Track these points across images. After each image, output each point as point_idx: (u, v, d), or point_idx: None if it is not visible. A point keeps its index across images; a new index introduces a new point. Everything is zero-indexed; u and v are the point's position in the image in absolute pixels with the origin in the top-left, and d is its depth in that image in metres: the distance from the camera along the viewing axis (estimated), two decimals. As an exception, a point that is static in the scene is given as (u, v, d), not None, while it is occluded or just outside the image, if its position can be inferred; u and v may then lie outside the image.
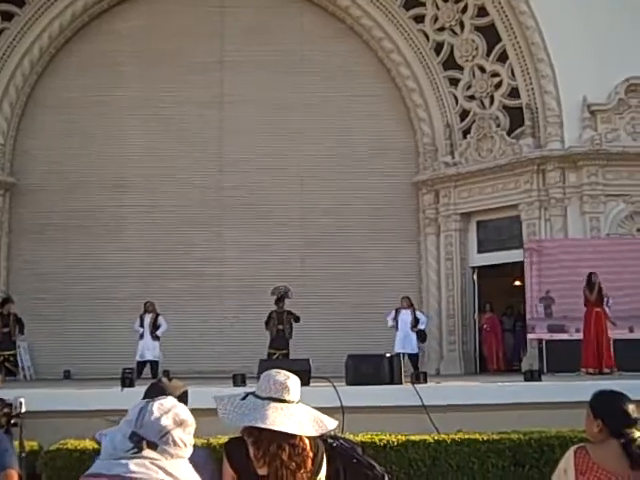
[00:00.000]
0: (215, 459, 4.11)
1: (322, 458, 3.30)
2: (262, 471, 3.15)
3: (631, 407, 4.36)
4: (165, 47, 21.57)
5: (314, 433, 3.19)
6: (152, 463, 2.10)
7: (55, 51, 21.72)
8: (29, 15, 21.02)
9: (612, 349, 15.58)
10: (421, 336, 18.81)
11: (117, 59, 21.74)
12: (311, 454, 3.19)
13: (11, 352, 17.83)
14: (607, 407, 4.39)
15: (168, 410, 2.18)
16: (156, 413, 2.17)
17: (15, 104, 21.29)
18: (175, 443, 2.16)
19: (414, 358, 18.09)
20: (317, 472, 3.26)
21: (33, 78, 21.56)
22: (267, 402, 3.16)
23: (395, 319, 18.35)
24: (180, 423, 2.18)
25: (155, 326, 18.27)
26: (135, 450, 2.12)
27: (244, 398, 3.23)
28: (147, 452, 2.12)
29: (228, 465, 3.23)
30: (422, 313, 19.17)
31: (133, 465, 2.09)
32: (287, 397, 3.19)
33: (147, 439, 2.13)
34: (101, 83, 21.51)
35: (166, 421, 2.16)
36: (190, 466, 2.26)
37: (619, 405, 4.37)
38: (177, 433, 2.16)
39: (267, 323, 17.99)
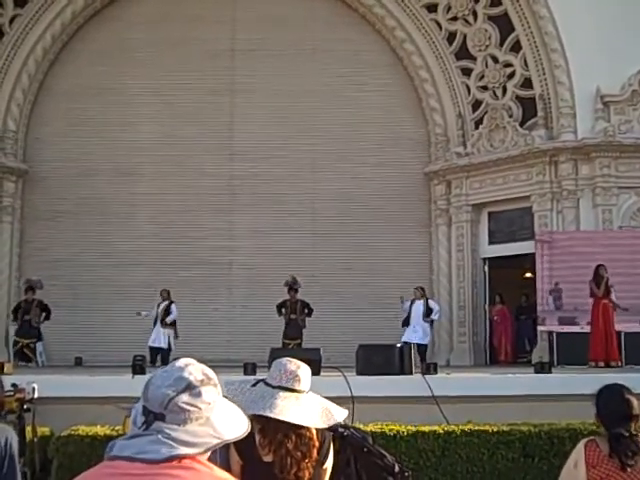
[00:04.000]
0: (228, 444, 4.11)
1: (328, 448, 3.31)
2: (267, 458, 3.16)
3: (629, 402, 4.32)
4: (177, 34, 21.55)
5: (322, 425, 3.19)
6: (164, 437, 2.02)
7: (67, 38, 21.74)
8: (42, 1, 21.03)
9: (618, 342, 15.60)
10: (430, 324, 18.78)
11: (129, 46, 21.75)
12: (317, 444, 3.20)
13: (31, 340, 17.92)
14: (601, 403, 4.38)
15: (171, 376, 2.07)
16: (158, 382, 2.07)
17: (27, 91, 21.33)
18: (182, 409, 2.02)
19: (422, 348, 18.05)
20: (322, 462, 3.26)
21: (45, 65, 21.59)
22: (277, 391, 3.17)
23: (409, 310, 18.29)
24: (185, 388, 2.04)
25: (166, 314, 18.32)
26: (145, 426, 2.07)
27: (254, 385, 3.24)
28: (157, 425, 2.02)
29: (234, 451, 3.24)
30: (435, 302, 19.08)
31: (143, 443, 2.01)
32: (297, 387, 3.19)
33: (154, 411, 2.04)
34: (113, 70, 21.53)
35: (167, 389, 2.04)
36: (219, 419, 2.09)
37: (611, 401, 4.34)
38: (182, 399, 2.03)
39: (279, 309, 18.03)
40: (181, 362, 2.12)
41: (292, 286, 18.09)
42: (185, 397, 2.04)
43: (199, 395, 2.05)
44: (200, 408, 2.04)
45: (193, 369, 2.10)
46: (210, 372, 2.12)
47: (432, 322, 18.66)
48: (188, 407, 2.03)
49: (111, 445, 2.06)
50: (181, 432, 2.02)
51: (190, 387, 2.05)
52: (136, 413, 2.09)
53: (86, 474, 2.06)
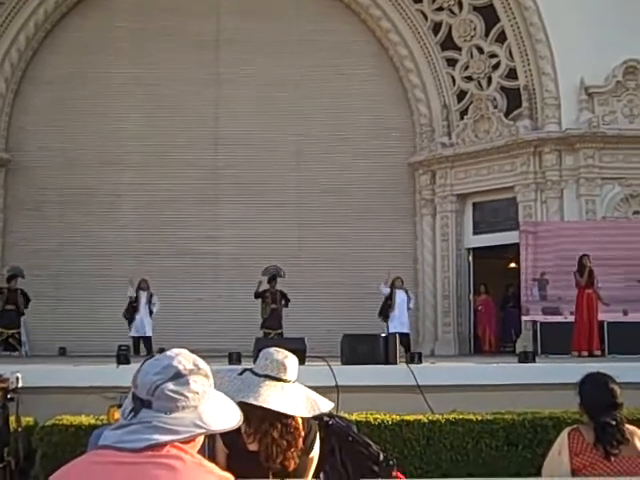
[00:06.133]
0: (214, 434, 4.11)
1: (314, 437, 3.32)
2: (252, 447, 3.16)
3: (613, 391, 4.36)
4: (162, 24, 21.45)
5: (307, 414, 3.20)
6: (148, 425, 2.00)
7: (51, 27, 21.58)
8: (25, -10, 20.87)
9: (601, 332, 15.74)
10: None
11: (113, 36, 21.62)
12: (303, 433, 3.21)
13: (17, 330, 17.85)
14: (585, 392, 4.41)
15: (160, 364, 2.07)
16: (147, 369, 2.07)
17: (10, 80, 21.18)
18: (168, 397, 2.02)
19: (406, 338, 18.06)
20: (308, 451, 3.27)
21: (29, 54, 21.44)
22: (263, 379, 3.18)
23: (391, 299, 18.30)
24: (172, 376, 2.04)
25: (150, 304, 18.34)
26: (132, 413, 2.06)
27: (241, 374, 3.24)
28: (144, 412, 2.02)
29: (219, 439, 3.24)
30: (410, 292, 19.12)
31: (128, 432, 2.01)
32: (284, 376, 3.20)
33: (141, 398, 2.04)
34: (97, 60, 21.40)
35: (155, 376, 2.04)
36: (209, 409, 2.07)
37: (596, 391, 4.37)
38: (169, 386, 2.02)
39: (259, 297, 18.02)
40: (172, 351, 2.13)
41: (275, 276, 18.13)
42: (172, 385, 2.04)
43: (186, 384, 2.05)
44: (187, 397, 2.04)
45: (183, 358, 2.09)
46: (201, 362, 2.12)
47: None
48: (175, 395, 2.03)
49: (95, 434, 2.05)
50: (166, 420, 2.01)
51: (178, 375, 2.05)
52: (127, 403, 2.09)
53: (74, 462, 2.06)
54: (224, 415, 2.12)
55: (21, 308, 18.00)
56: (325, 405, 3.28)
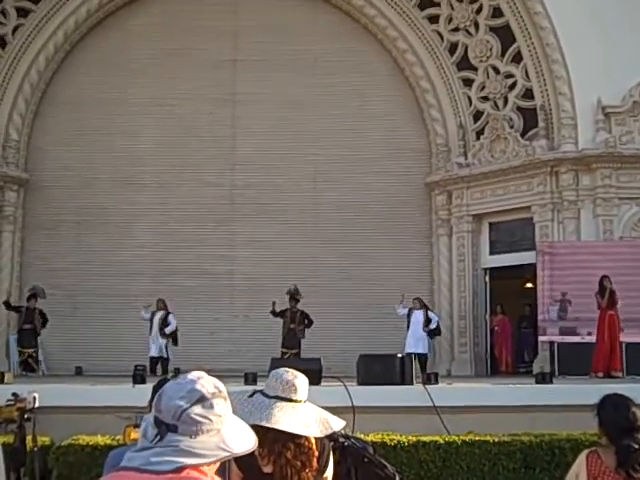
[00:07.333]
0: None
1: (328, 457, 3.30)
2: (267, 469, 3.15)
3: (635, 414, 4.31)
4: (179, 45, 21.61)
5: (319, 434, 3.18)
6: (175, 449, 2.01)
7: (70, 48, 21.79)
8: (44, 11, 21.10)
9: (621, 353, 15.61)
10: (434, 332, 18.76)
11: (131, 56, 21.80)
12: (316, 453, 3.19)
13: (33, 349, 17.89)
14: (604, 414, 4.36)
15: (184, 388, 2.08)
16: (170, 393, 2.08)
17: (30, 100, 21.38)
18: (194, 421, 2.03)
19: (423, 358, 18.03)
20: (323, 471, 3.26)
21: (48, 75, 21.65)
22: (274, 401, 3.17)
23: (407, 319, 18.31)
24: (197, 400, 2.06)
25: (164, 324, 18.22)
26: (158, 437, 2.07)
27: (251, 396, 3.23)
28: (169, 437, 2.03)
29: (233, 462, 3.22)
30: (434, 313, 19.10)
31: (153, 456, 2.01)
32: (294, 396, 3.19)
33: (166, 422, 2.04)
34: (115, 80, 21.58)
35: (180, 401, 2.05)
36: (230, 432, 2.10)
37: (617, 413, 4.32)
38: (194, 410, 2.04)
39: (278, 315, 18.00)
40: (193, 375, 2.14)
41: (293, 295, 18.12)
42: (198, 409, 2.05)
43: (211, 407, 2.07)
44: (211, 420, 2.06)
45: (205, 382, 2.11)
46: (221, 385, 2.14)
47: (432, 333, 18.63)
48: (200, 419, 2.05)
49: (112, 454, 2.05)
50: (192, 443, 2.03)
51: (203, 399, 2.07)
52: (146, 425, 2.10)
53: None
54: (243, 437, 2.14)
55: (37, 328, 18.04)
56: (337, 424, 3.27)
